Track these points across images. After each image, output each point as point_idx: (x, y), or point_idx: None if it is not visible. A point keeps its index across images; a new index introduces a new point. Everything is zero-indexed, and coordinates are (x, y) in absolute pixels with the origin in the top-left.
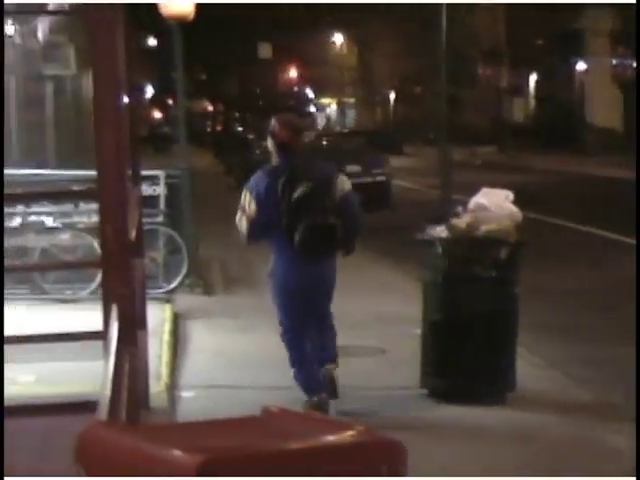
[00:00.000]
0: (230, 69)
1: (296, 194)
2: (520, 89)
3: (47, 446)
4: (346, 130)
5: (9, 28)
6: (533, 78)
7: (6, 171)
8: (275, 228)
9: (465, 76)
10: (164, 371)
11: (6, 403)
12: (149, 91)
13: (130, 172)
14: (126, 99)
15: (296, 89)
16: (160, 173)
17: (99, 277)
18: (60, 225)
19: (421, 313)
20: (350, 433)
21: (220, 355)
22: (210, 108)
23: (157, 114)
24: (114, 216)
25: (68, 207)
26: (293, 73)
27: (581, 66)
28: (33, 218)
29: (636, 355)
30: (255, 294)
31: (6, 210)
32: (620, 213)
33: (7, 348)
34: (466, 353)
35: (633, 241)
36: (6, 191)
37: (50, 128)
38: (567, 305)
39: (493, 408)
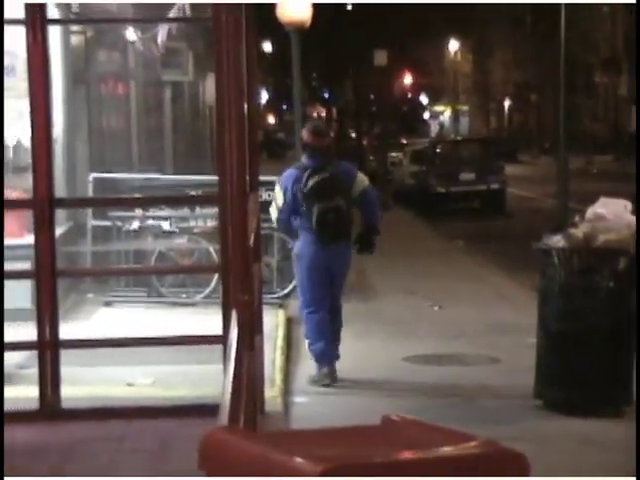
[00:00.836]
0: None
1: (311, 183)
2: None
3: (166, 449)
4: (460, 138)
5: (130, 34)
6: None
7: (126, 175)
8: (299, 214)
9: (583, 84)
10: (278, 376)
11: (125, 404)
12: (263, 96)
13: (248, 177)
14: (246, 105)
15: (410, 96)
16: (276, 179)
17: (214, 282)
18: (177, 229)
19: (536, 323)
20: (473, 444)
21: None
22: (324, 114)
23: (271, 119)
24: (234, 221)
25: (185, 212)
26: (407, 80)
27: None
28: (151, 222)
29: (636, 355)
30: (370, 300)
31: (125, 214)
32: None
33: (124, 350)
34: (582, 364)
35: None
36: (126, 195)
37: (168, 133)
38: None
39: (609, 421)
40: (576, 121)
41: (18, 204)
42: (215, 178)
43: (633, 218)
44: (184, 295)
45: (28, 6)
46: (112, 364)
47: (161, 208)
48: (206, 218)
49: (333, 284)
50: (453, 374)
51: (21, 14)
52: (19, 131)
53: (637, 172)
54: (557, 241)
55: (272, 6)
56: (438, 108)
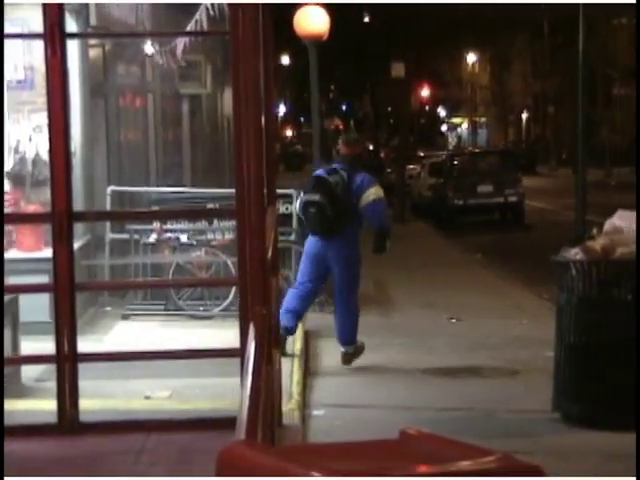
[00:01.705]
0: (362, 88)
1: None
2: None
3: (183, 462)
4: (478, 150)
5: (148, 47)
6: None
7: (144, 188)
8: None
9: (601, 95)
10: (295, 389)
11: (142, 417)
12: (281, 109)
13: (266, 190)
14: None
15: (428, 108)
16: (293, 192)
17: (231, 295)
18: (194, 242)
19: (553, 335)
20: (490, 459)
21: (350, 374)
22: (341, 126)
23: (288, 132)
24: (252, 235)
25: (202, 224)
26: (425, 92)
27: None
28: (168, 235)
29: (636, 356)
30: (388, 313)
31: (142, 227)
32: None
33: (142, 363)
34: (601, 378)
35: None
36: (144, 209)
37: (186, 146)
38: None
39: (627, 435)
40: (595, 133)
41: (37, 218)
42: (233, 191)
43: None
44: (202, 308)
45: (46, 20)
46: (130, 377)
47: (179, 221)
48: (224, 231)
49: (335, 278)
50: (471, 387)
51: (40, 28)
52: (38, 144)
53: (637, 172)
54: (575, 254)
55: (290, 19)
56: (456, 120)
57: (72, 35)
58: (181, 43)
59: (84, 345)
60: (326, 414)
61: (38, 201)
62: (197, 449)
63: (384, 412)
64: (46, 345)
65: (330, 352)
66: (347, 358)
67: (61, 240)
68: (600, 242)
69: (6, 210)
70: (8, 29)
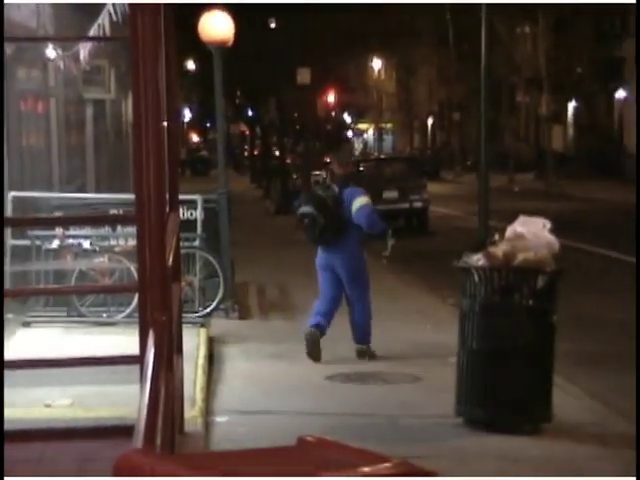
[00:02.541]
0: (268, 93)
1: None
2: (560, 116)
3: (84, 471)
4: (383, 156)
5: (51, 52)
6: (572, 106)
7: (47, 194)
8: None
9: (505, 103)
10: (199, 396)
11: (42, 426)
12: (187, 114)
13: (168, 196)
14: (165, 123)
15: (334, 114)
16: (198, 197)
17: (135, 301)
18: (97, 248)
19: (457, 341)
20: (388, 464)
21: (255, 380)
22: (247, 132)
23: (195, 138)
24: (152, 241)
25: (105, 230)
26: (331, 98)
27: (620, 94)
28: (71, 241)
29: (636, 357)
30: (291, 319)
31: (44, 233)
32: None
33: (43, 371)
34: (503, 382)
35: None
36: (45, 215)
37: (89, 152)
38: (607, 334)
39: (529, 439)
40: (498, 140)
41: None
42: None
43: (552, 237)
44: (105, 314)
45: None
46: (30, 385)
47: (81, 227)
48: (127, 237)
49: (344, 285)
50: (375, 393)
51: None
52: None
53: (637, 176)
54: (477, 260)
55: (195, 24)
56: (362, 126)
57: None
58: (84, 47)
59: None
60: (230, 421)
61: None
62: (97, 457)
63: (289, 418)
64: None
65: (235, 358)
66: (362, 354)
67: None
68: (502, 248)
69: None
70: None
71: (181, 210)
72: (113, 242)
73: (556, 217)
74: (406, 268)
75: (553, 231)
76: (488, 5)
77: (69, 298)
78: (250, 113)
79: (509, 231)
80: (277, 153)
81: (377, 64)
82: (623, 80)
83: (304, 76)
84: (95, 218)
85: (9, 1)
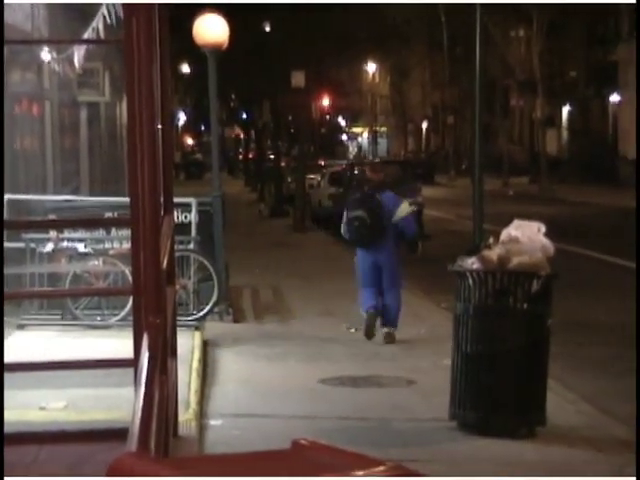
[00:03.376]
0: (262, 97)
1: (355, 196)
2: (554, 120)
3: (76, 474)
4: (378, 159)
5: (45, 54)
6: (566, 109)
7: (41, 197)
8: None
9: (499, 106)
10: (193, 399)
11: (36, 429)
12: (181, 117)
13: (163, 199)
14: (160, 126)
15: (328, 117)
16: (192, 200)
17: (130, 304)
18: (92, 251)
19: (451, 344)
20: (381, 468)
21: (249, 383)
22: (242, 135)
23: (189, 141)
24: (146, 244)
25: (100, 233)
26: (325, 101)
27: (615, 98)
28: (65, 244)
29: (636, 358)
30: (285, 322)
31: (39, 236)
32: None
33: (38, 374)
34: (497, 386)
35: None
36: (40, 218)
37: (84, 154)
38: (600, 337)
39: (523, 442)
40: (492, 143)
41: None
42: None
43: (546, 240)
44: (99, 318)
45: None
46: (25, 388)
47: (76, 230)
48: (122, 240)
49: (384, 276)
50: (369, 396)
51: None
52: None
53: (637, 179)
54: (471, 263)
55: (190, 27)
56: (356, 130)
57: None
58: (79, 50)
59: None
60: (224, 424)
61: None
62: (90, 460)
63: (283, 422)
64: None
65: (229, 361)
66: (390, 337)
67: None
68: (496, 252)
69: None
70: None
71: (175, 213)
72: (107, 245)
73: (550, 221)
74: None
75: (547, 235)
76: (482, 7)
77: (63, 301)
78: (244, 116)
79: (504, 235)
80: (271, 156)
81: (371, 67)
82: (617, 84)
83: (298, 79)
84: (89, 221)
85: (9, 1)
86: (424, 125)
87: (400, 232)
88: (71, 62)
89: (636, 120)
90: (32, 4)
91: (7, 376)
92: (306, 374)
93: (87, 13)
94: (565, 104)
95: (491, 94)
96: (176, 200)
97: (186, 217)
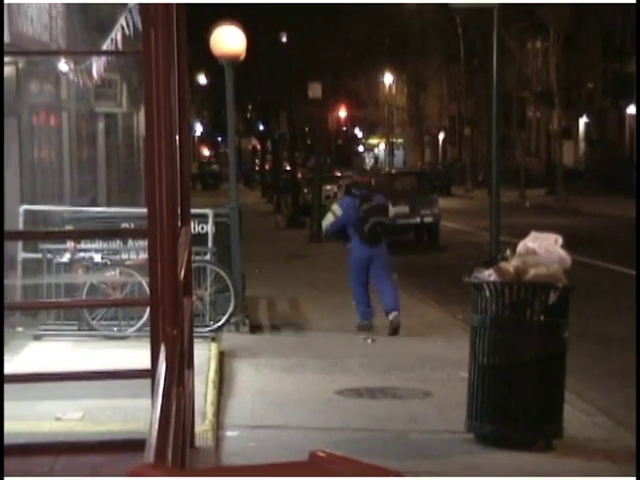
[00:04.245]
0: (279, 108)
1: (364, 207)
2: (570, 132)
3: None
4: (394, 171)
5: (63, 65)
6: (583, 121)
7: (58, 208)
8: (351, 226)
9: (515, 118)
10: (209, 410)
11: (52, 439)
12: (198, 128)
13: (180, 210)
14: (177, 137)
15: (345, 129)
16: (209, 211)
17: (146, 315)
18: (108, 262)
19: (467, 356)
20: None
21: (265, 395)
22: (259, 146)
23: (206, 151)
24: (163, 255)
25: (116, 244)
26: (342, 113)
27: (632, 109)
28: (82, 254)
29: (636, 359)
30: (301, 333)
31: (56, 246)
32: None
33: (54, 384)
34: (514, 398)
35: None
36: (57, 228)
37: (101, 165)
38: (617, 350)
39: (540, 454)
40: (509, 155)
41: None
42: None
43: (563, 252)
44: (115, 328)
45: None
46: (41, 398)
47: (93, 240)
48: (138, 250)
49: (377, 269)
50: (385, 408)
51: None
52: None
53: (637, 181)
54: (488, 275)
55: (206, 38)
56: (373, 141)
57: None
58: (97, 62)
59: None
60: (240, 435)
61: None
62: (107, 471)
63: (299, 433)
64: None
65: (245, 372)
66: (397, 319)
67: None
68: (513, 263)
69: None
70: None
71: (192, 224)
72: (124, 256)
73: (567, 232)
74: (416, 283)
75: (564, 246)
76: (499, 18)
77: (80, 312)
78: (261, 127)
79: (521, 246)
80: (288, 168)
81: (388, 79)
82: (634, 95)
83: (315, 91)
84: (107, 232)
85: (9, 1)
86: (441, 137)
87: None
88: (89, 73)
89: (636, 121)
90: (50, 15)
91: (24, 387)
92: (322, 385)
93: (105, 24)
94: (582, 116)
95: (508, 106)
96: (193, 211)
97: (203, 228)
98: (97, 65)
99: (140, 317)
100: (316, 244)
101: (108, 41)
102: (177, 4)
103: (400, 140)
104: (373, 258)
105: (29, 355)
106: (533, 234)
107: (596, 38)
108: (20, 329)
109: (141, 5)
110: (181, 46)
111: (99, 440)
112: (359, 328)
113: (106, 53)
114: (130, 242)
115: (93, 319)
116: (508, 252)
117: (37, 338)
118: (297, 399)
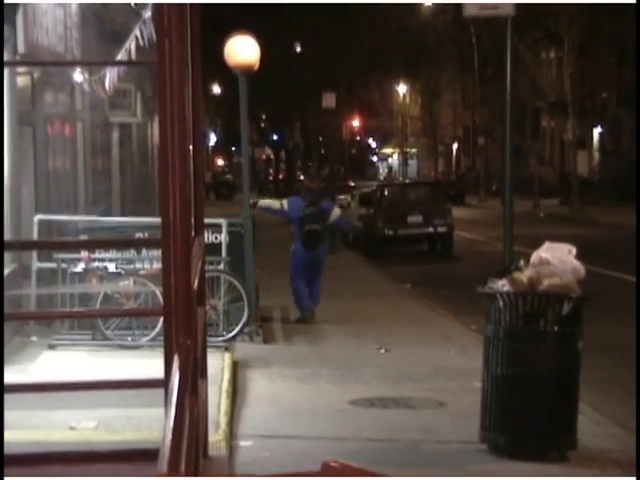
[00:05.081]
0: (293, 118)
1: (307, 211)
2: (585, 142)
3: None
4: (408, 180)
5: (78, 76)
6: (598, 131)
7: (73, 217)
8: (295, 226)
9: (529, 128)
10: (223, 419)
11: (66, 449)
12: (212, 138)
13: (194, 220)
14: (191, 146)
15: (358, 138)
16: (222, 221)
17: (160, 324)
18: (123, 271)
19: (481, 366)
20: None
21: (279, 404)
22: (272, 156)
23: (219, 161)
24: (177, 265)
25: (131, 254)
26: (356, 123)
27: None
28: (96, 264)
29: (636, 359)
30: (315, 343)
31: (70, 256)
32: None
33: (68, 394)
34: (527, 409)
35: None
36: (71, 238)
37: (115, 175)
38: (631, 360)
39: (554, 466)
40: (523, 164)
41: None
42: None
43: (577, 263)
44: (129, 338)
45: None
46: (55, 407)
47: (107, 250)
48: (152, 260)
49: (315, 269)
50: (399, 418)
51: None
52: None
53: (637, 183)
54: (502, 285)
55: (221, 48)
56: (386, 151)
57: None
58: (111, 72)
59: (9, 375)
60: (254, 445)
61: None
62: None
63: (312, 443)
64: None
65: (259, 382)
66: (314, 310)
67: None
68: (527, 274)
69: None
70: None
71: (206, 234)
72: (138, 265)
73: (581, 243)
74: (430, 293)
75: (578, 257)
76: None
77: (94, 321)
78: (275, 137)
79: (534, 257)
80: (301, 177)
81: (402, 89)
82: None
83: (329, 100)
84: (120, 241)
85: (9, 1)
86: (454, 146)
87: (336, 228)
88: (103, 83)
89: (636, 123)
90: (65, 26)
91: (38, 396)
92: (336, 395)
93: (120, 35)
94: (596, 125)
95: (522, 115)
96: (206, 221)
97: (216, 238)
98: (111, 75)
99: (154, 327)
100: (330, 254)
101: (122, 51)
102: (191, 14)
103: (414, 150)
104: (314, 260)
105: (43, 364)
106: (547, 244)
107: (610, 47)
108: (34, 338)
109: (155, 15)
110: (195, 56)
111: (113, 449)
112: (301, 320)
113: (120, 63)
114: (144, 252)
115: (107, 329)
116: (522, 262)
117: (51, 347)
118: (310, 409)
